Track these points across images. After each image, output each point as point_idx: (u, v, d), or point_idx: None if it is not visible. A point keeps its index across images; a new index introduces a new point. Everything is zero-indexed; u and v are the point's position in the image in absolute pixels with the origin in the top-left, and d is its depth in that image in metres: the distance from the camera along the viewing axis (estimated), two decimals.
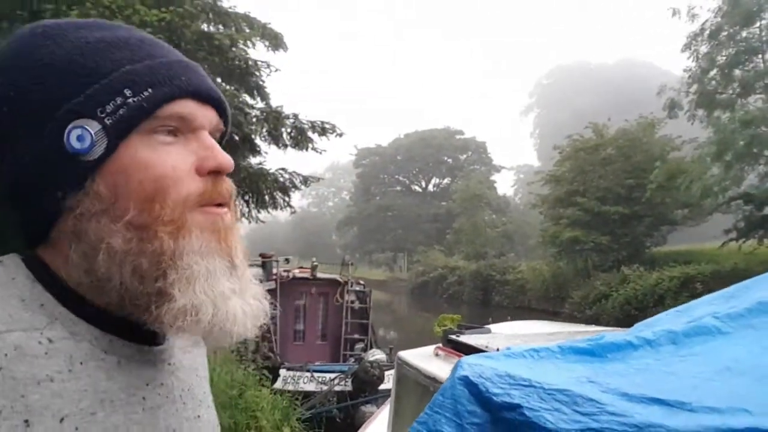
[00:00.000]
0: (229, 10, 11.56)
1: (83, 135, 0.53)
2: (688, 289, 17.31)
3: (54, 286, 0.56)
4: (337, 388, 7.05)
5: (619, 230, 22.58)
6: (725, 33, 18.09)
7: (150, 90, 0.55)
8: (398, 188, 58.06)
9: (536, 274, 26.70)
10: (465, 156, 54.37)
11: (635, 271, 20.06)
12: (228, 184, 0.60)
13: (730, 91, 18.37)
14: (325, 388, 7.07)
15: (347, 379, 7.11)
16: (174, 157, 0.56)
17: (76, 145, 0.53)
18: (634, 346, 1.91)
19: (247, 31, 10.49)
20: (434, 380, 2.71)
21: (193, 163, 0.58)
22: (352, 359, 8.56)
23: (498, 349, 2.41)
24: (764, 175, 17.97)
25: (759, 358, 1.66)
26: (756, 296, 2.03)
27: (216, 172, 0.59)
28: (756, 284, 2.19)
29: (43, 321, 0.54)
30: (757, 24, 17.52)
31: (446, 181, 55.09)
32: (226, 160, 0.59)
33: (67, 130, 0.53)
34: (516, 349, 2.08)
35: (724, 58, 18.26)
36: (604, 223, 22.58)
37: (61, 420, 0.51)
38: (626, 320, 16.18)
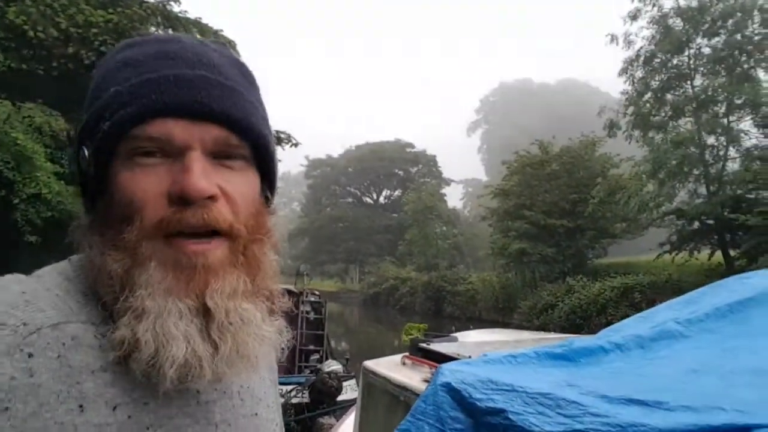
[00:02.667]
0: (180, 15, 11.34)
1: (83, 156, 0.59)
2: (627, 299, 18.04)
3: None
4: (294, 401, 6.94)
5: (564, 242, 23.34)
6: (658, 60, 19.20)
7: (120, 112, 0.56)
8: (350, 200, 57.96)
9: (486, 285, 27.14)
10: (416, 169, 54.90)
11: (579, 281, 20.73)
12: (211, 215, 0.56)
13: (663, 114, 19.45)
14: (281, 400, 6.94)
15: (304, 391, 7.01)
16: (148, 181, 0.55)
17: (82, 164, 0.60)
18: (605, 351, 2.00)
19: (198, 37, 10.37)
20: (403, 389, 2.72)
21: (166, 187, 0.56)
22: (308, 370, 8.44)
23: (470, 357, 2.46)
24: (694, 192, 19.04)
25: (720, 360, 1.78)
26: (712, 302, 2.16)
27: (181, 198, 0.55)
28: (711, 291, 2.34)
29: (100, 315, 0.57)
30: (686, 53, 18.67)
31: (397, 193, 55.43)
32: (193, 186, 0.54)
33: (80, 149, 0.60)
34: (493, 356, 2.13)
35: (657, 83, 19.35)
36: (550, 236, 23.29)
37: (114, 408, 0.54)
38: (571, 329, 16.69)
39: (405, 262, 39.67)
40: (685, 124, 18.95)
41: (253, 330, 0.59)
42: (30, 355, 0.50)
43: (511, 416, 1.59)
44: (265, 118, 0.63)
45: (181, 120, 0.56)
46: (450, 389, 1.79)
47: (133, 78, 0.57)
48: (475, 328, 4.12)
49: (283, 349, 0.65)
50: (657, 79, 19.40)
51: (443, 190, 48.86)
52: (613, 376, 1.79)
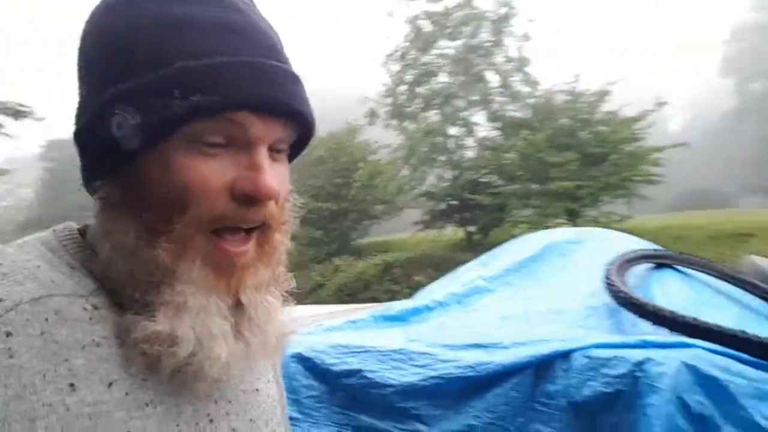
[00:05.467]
0: None
1: (123, 123, 0.51)
2: (389, 274, 19.79)
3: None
4: None
5: (329, 225, 24.47)
6: (411, 56, 21.35)
7: (199, 95, 0.50)
8: None
9: None
10: None
11: (345, 261, 22.05)
12: (267, 212, 0.55)
13: (415, 106, 21.75)
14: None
15: None
16: (211, 170, 0.52)
17: (115, 131, 0.51)
18: (429, 309, 2.21)
19: None
20: None
21: (230, 180, 0.52)
22: None
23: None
24: (440, 176, 21.74)
25: (523, 305, 2.11)
26: (506, 260, 2.54)
27: (250, 197, 0.53)
28: (502, 251, 2.74)
29: (89, 287, 0.53)
30: (433, 52, 21.13)
31: None
32: (267, 187, 0.52)
33: (117, 110, 0.51)
34: (332, 324, 2.18)
35: (411, 77, 21.54)
36: (318, 219, 24.20)
37: (110, 384, 0.50)
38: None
39: None
40: (434, 115, 21.43)
41: (276, 322, 0.58)
42: (8, 334, 0.46)
43: (367, 374, 1.67)
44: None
45: (256, 114, 0.52)
46: (301, 359, 1.80)
47: (203, 56, 0.51)
48: None
49: None
50: (410, 73, 21.50)
51: None
52: (443, 328, 2.00)
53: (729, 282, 2.22)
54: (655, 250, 2.36)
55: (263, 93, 0.52)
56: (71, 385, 0.48)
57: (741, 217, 17.28)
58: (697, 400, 1.29)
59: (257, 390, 0.65)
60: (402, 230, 25.73)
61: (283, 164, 0.59)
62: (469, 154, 21.20)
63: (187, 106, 0.50)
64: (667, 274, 2.20)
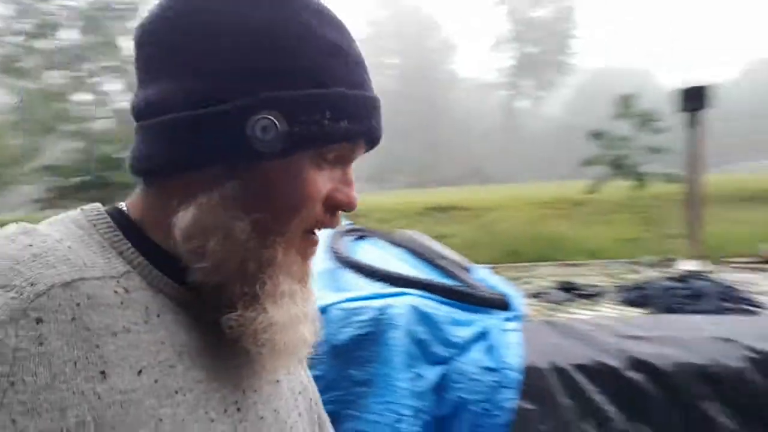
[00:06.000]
0: None
1: (268, 128, 0.52)
2: None
3: (134, 236, 0.56)
4: None
5: None
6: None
7: (346, 122, 0.55)
8: None
9: None
10: None
11: None
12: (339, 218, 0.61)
13: (34, 62, 18.51)
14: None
15: None
16: (323, 181, 0.57)
17: (258, 132, 0.52)
18: None
19: None
20: None
21: (329, 191, 0.58)
22: None
23: None
24: (67, 148, 19.14)
25: None
26: None
27: (342, 207, 0.59)
28: None
29: (120, 269, 0.53)
30: (55, 1, 18.30)
31: None
32: (356, 200, 0.59)
33: (259, 114, 0.52)
34: None
35: (29, 26, 18.18)
36: None
37: (139, 372, 0.50)
38: None
39: None
40: (60, 77, 18.62)
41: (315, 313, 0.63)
42: (39, 321, 0.45)
43: None
44: None
45: (366, 142, 0.60)
46: None
47: (355, 87, 0.56)
48: None
49: None
50: (26, 21, 18.11)
51: None
52: None
53: (400, 247, 2.93)
54: (352, 225, 2.93)
55: (379, 127, 0.60)
56: (102, 372, 0.47)
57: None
58: (420, 330, 1.81)
59: (278, 381, 0.66)
60: (17, 208, 21.71)
61: None
62: (103, 125, 19.26)
63: (337, 129, 0.54)
64: (363, 243, 2.78)
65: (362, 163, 0.61)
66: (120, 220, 0.57)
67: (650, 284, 3.26)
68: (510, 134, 54.73)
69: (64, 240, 0.52)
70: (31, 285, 0.46)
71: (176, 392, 0.52)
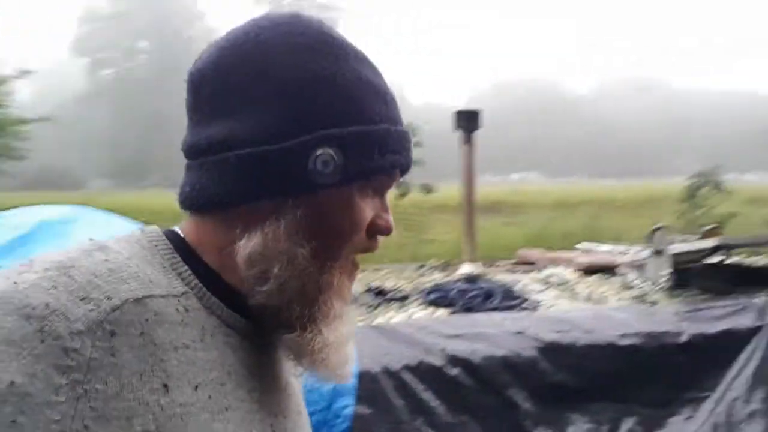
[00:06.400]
0: None
1: (328, 162, 0.57)
2: None
3: (190, 259, 0.59)
4: None
5: None
6: None
7: (390, 156, 0.60)
8: None
9: None
10: None
11: None
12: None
13: None
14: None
15: None
16: (369, 210, 0.61)
17: (319, 166, 0.56)
18: None
19: None
20: None
21: (372, 218, 0.62)
22: None
23: None
24: None
25: None
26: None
27: (383, 233, 0.63)
28: None
29: (180, 289, 0.56)
30: None
31: None
32: (392, 227, 0.63)
33: (319, 149, 0.57)
34: None
35: None
36: None
37: (196, 387, 0.53)
38: None
39: None
40: None
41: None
42: (113, 333, 0.48)
43: None
44: None
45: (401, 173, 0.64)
46: None
47: (398, 123, 0.62)
48: None
49: None
50: None
51: None
52: None
53: None
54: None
55: (411, 157, 0.64)
56: (165, 385, 0.50)
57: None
58: None
59: (300, 413, 0.70)
60: None
61: None
62: None
63: (386, 162, 0.59)
64: None
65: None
66: (177, 243, 0.60)
67: (446, 286, 3.64)
68: None
69: (132, 258, 0.54)
70: (108, 299, 0.49)
71: (226, 409, 0.55)
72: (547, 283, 4.16)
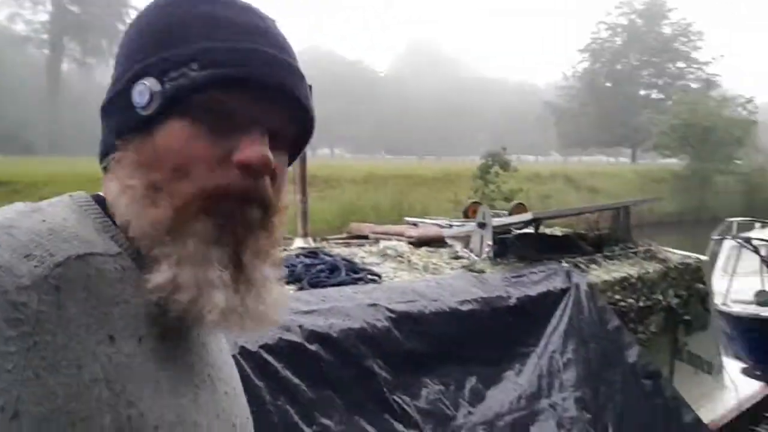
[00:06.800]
0: None
1: (143, 91, 0.57)
2: None
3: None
4: None
5: None
6: None
7: (212, 69, 0.56)
8: None
9: None
10: None
11: None
12: (263, 187, 0.59)
13: None
14: None
15: None
16: (213, 141, 0.57)
17: (137, 98, 0.57)
18: None
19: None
20: None
21: (228, 154, 0.57)
22: None
23: None
24: None
25: None
26: None
27: (246, 169, 0.57)
28: None
29: (114, 249, 0.57)
30: None
31: None
32: (262, 158, 0.57)
33: (136, 83, 0.58)
34: None
35: None
36: None
37: (140, 339, 0.55)
38: None
39: None
40: None
41: (274, 293, 0.62)
42: (57, 288, 0.50)
43: None
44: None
45: (262, 96, 0.58)
46: None
47: (229, 40, 0.58)
48: None
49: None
50: None
51: None
52: None
53: None
54: None
55: (272, 77, 0.58)
56: (111, 337, 0.52)
57: None
58: None
59: (232, 364, 0.72)
60: None
61: (282, 158, 0.63)
62: None
63: (203, 76, 0.56)
64: None
65: None
66: (104, 206, 0.60)
67: (290, 261, 3.53)
68: (55, 100, 47.52)
69: (68, 220, 0.56)
70: (51, 256, 0.51)
71: (168, 359, 0.58)
72: (383, 255, 4.28)
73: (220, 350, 0.70)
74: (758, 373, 5.31)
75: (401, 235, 5.31)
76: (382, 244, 4.78)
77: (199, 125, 0.57)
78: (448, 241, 4.81)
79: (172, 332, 0.59)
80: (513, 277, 3.29)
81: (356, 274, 3.21)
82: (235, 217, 0.58)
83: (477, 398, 2.56)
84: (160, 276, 0.55)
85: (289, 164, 0.69)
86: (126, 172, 0.58)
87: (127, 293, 0.55)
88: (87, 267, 0.53)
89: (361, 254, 4.45)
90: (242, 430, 0.69)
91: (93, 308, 0.52)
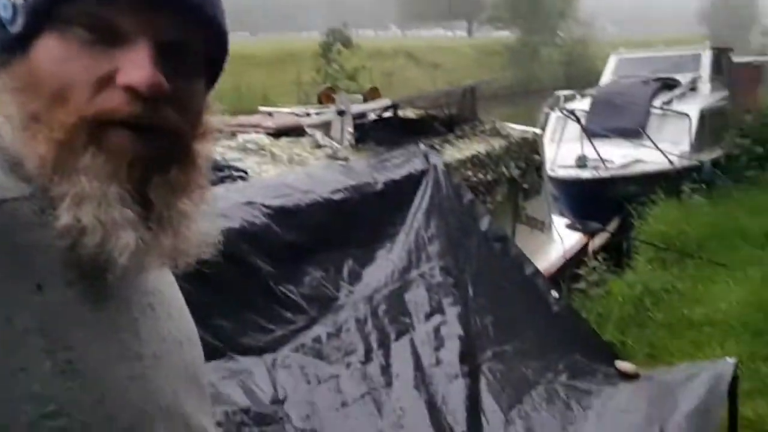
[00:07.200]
0: None
1: (6, 6, 0.52)
2: None
3: None
4: None
5: None
6: None
7: None
8: None
9: None
10: None
11: None
12: (157, 110, 0.52)
13: None
14: None
15: None
16: (91, 61, 0.51)
17: (2, 12, 0.52)
18: None
19: None
20: None
21: (111, 74, 0.51)
22: None
23: None
24: None
25: None
26: None
27: (132, 92, 0.51)
28: None
29: (27, 191, 0.53)
30: None
31: None
32: (142, 76, 0.50)
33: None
34: None
35: None
36: None
37: (68, 284, 0.53)
38: None
39: None
40: None
41: (193, 226, 0.59)
42: None
43: None
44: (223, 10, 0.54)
45: (136, 5, 0.51)
46: None
47: None
48: None
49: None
50: None
51: None
52: None
53: None
54: None
55: None
56: (38, 285, 0.50)
57: None
58: None
59: (172, 281, 0.70)
60: None
61: (190, 78, 0.57)
62: None
63: None
64: None
65: None
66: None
67: None
68: None
69: None
70: None
71: (100, 300, 0.55)
72: (244, 150, 4.19)
73: (161, 271, 0.65)
74: (579, 227, 6.28)
75: (258, 126, 5.19)
76: (241, 137, 4.66)
77: (72, 41, 0.51)
78: (308, 130, 4.81)
79: (103, 277, 0.55)
80: (378, 162, 3.45)
81: (222, 173, 3.15)
82: (127, 149, 0.52)
83: (355, 278, 2.77)
84: (62, 218, 0.51)
85: (211, 86, 0.63)
86: (4, 99, 0.53)
87: (48, 236, 0.51)
88: (1, 214, 0.49)
89: (220, 149, 4.32)
90: (189, 344, 0.68)
91: (14, 258, 0.49)
